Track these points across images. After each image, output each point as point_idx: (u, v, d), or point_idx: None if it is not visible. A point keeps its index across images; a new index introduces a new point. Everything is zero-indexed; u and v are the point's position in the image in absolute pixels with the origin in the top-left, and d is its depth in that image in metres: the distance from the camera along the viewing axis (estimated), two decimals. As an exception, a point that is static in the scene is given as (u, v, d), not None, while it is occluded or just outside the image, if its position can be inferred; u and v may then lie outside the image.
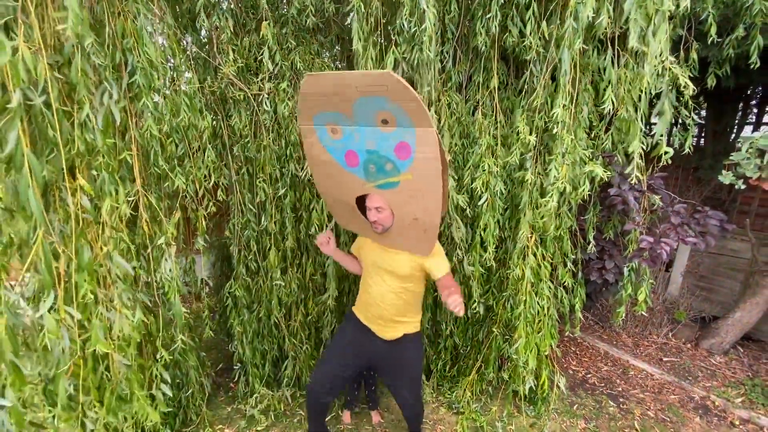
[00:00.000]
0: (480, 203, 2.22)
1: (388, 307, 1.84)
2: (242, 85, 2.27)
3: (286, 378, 2.72)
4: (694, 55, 2.24)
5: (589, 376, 3.20)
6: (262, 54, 2.23)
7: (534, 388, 2.59)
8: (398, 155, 1.47)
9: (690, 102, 1.78)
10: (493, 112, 2.34)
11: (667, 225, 1.98)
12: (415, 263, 1.79)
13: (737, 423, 2.69)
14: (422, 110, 1.30)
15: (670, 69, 1.75)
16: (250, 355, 2.62)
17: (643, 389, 3.05)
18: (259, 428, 2.53)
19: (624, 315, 2.26)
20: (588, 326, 3.93)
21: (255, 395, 2.63)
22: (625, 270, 2.14)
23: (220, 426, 2.57)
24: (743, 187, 2.17)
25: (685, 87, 1.71)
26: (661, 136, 1.82)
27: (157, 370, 1.91)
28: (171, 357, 2.02)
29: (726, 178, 2.22)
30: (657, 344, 3.71)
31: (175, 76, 2.01)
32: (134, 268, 1.70)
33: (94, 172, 1.47)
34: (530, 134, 2.07)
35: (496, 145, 2.29)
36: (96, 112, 1.42)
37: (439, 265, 1.76)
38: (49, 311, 1.17)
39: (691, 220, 1.99)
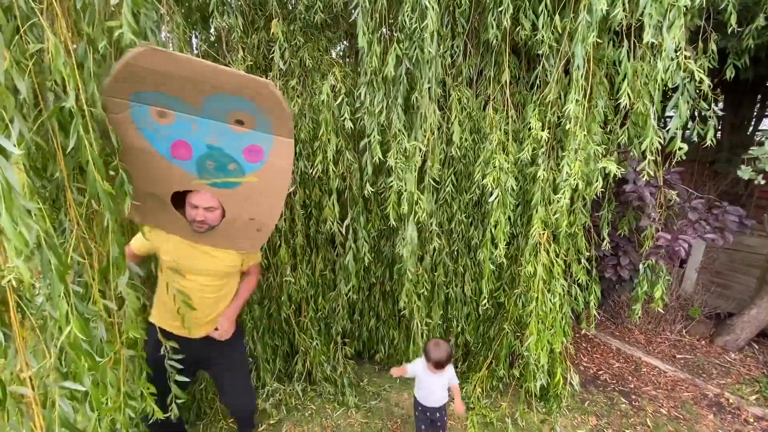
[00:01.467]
0: (491, 200, 2.20)
1: (205, 307, 1.73)
2: (252, 82, 2.26)
3: (297, 373, 2.74)
4: (712, 46, 2.18)
5: (600, 372, 3.17)
6: (272, 52, 2.23)
7: (546, 385, 2.58)
8: (247, 157, 1.46)
9: (710, 95, 1.73)
10: (504, 106, 2.31)
11: (684, 221, 1.94)
12: (238, 260, 1.78)
13: (751, 420, 2.65)
14: (289, 123, 1.38)
15: (685, 64, 1.71)
16: (261, 351, 2.65)
17: (655, 386, 3.02)
18: (271, 422, 2.56)
19: (639, 312, 2.23)
20: (600, 322, 3.89)
21: (266, 389, 2.66)
22: (641, 267, 2.10)
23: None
24: (763, 182, 2.11)
25: (700, 82, 1.67)
26: (676, 131, 1.78)
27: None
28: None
29: (745, 173, 2.16)
30: (670, 341, 3.66)
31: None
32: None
33: (112, 173, 1.47)
34: (542, 130, 2.04)
35: (508, 140, 2.26)
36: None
37: (255, 256, 1.88)
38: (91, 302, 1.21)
39: (709, 215, 1.94)
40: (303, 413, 2.65)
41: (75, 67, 1.13)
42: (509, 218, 2.30)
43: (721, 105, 4.44)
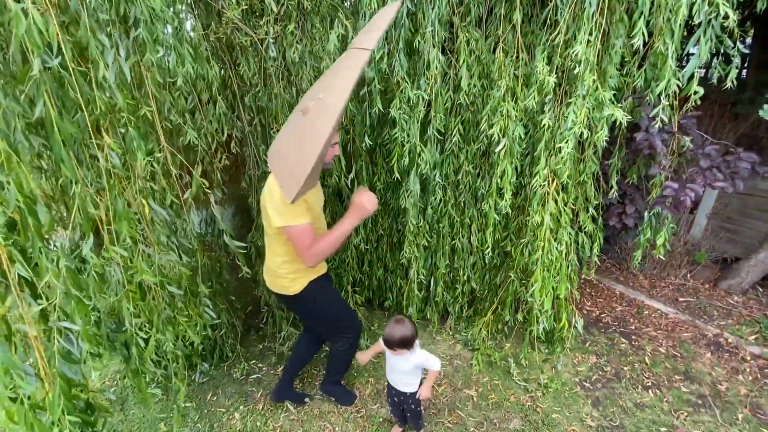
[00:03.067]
0: (497, 149, 2.15)
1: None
2: (248, 29, 2.16)
3: (311, 319, 2.89)
4: (745, -27, 1.99)
5: (603, 315, 3.29)
6: (267, -6, 2.10)
7: (550, 329, 2.69)
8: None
9: (736, 31, 1.60)
10: (515, 49, 2.18)
11: (694, 169, 1.89)
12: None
13: (748, 358, 2.76)
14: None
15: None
16: (275, 299, 2.78)
17: (656, 327, 3.13)
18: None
19: (640, 259, 2.25)
20: (605, 269, 3.96)
21: (282, 333, 2.83)
22: (646, 216, 2.09)
23: (254, 361, 2.81)
24: (784, 124, 2.02)
25: (725, 17, 1.53)
26: (694, 72, 1.67)
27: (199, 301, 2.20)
28: (211, 289, 2.30)
29: (767, 113, 2.06)
30: (674, 285, 3.73)
31: (178, 23, 1.93)
32: (170, 215, 1.87)
33: (121, 130, 1.51)
34: (550, 74, 1.93)
35: (517, 86, 2.16)
36: (107, 70, 1.41)
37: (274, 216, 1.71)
38: (91, 251, 1.39)
39: (721, 162, 1.88)
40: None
41: (57, 25, 1.12)
42: (516, 168, 2.27)
43: (749, 41, 4.13)
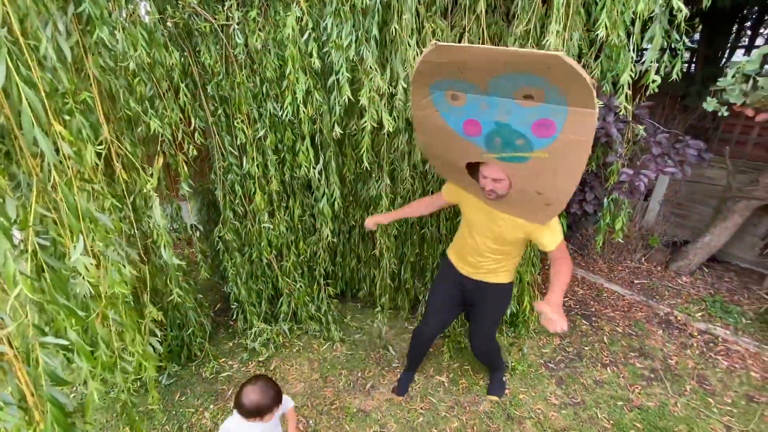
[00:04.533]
0: None
1: (482, 261, 1.94)
2: (207, 15, 2.07)
3: (283, 314, 2.86)
4: (692, -29, 2.10)
5: (565, 299, 3.44)
6: (227, -22, 2.02)
7: (514, 312, 2.79)
8: (536, 132, 1.35)
9: (683, 25, 1.70)
10: (480, 39, 2.21)
11: (647, 156, 2.00)
12: (524, 231, 1.76)
13: (695, 334, 2.99)
14: (589, 93, 1.15)
15: None
16: (246, 295, 2.73)
17: (614, 309, 3.31)
18: (260, 359, 2.71)
19: (602, 243, 2.37)
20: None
21: (254, 330, 2.78)
22: (605, 201, 2.20)
23: (224, 359, 2.75)
24: (726, 114, 2.17)
25: (678, 10, 1.62)
26: (651, 63, 1.76)
27: (149, 323, 1.88)
28: (160, 311, 2.03)
29: (710, 104, 2.20)
30: (630, 268, 3.96)
31: (132, 6, 1.82)
32: (113, 220, 1.62)
33: (66, 117, 1.36)
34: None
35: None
36: (49, 45, 1.27)
37: (551, 237, 1.70)
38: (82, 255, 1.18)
39: (672, 149, 2.01)
40: (290, 350, 2.81)
41: None
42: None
43: (697, 36, 4.39)
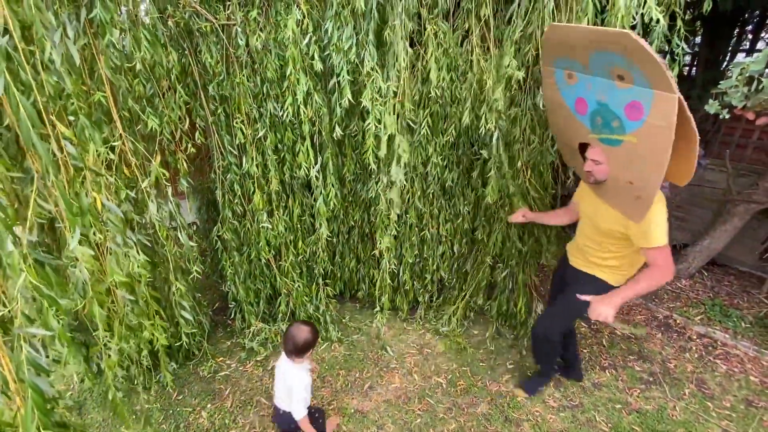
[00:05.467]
0: (491, 141, 2.20)
1: (589, 250, 1.98)
2: (208, 14, 2.07)
3: (281, 314, 2.86)
4: (693, -25, 2.10)
5: (564, 301, 3.44)
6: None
7: (512, 314, 2.79)
8: (628, 114, 1.40)
9: (682, 30, 1.70)
10: (482, 42, 2.21)
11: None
12: (620, 224, 1.74)
13: (694, 337, 2.98)
14: (661, 74, 1.18)
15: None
16: (244, 294, 2.73)
17: (616, 314, 3.30)
18: (258, 358, 2.71)
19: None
20: (567, 257, 4.14)
21: (252, 329, 2.78)
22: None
23: (222, 358, 2.75)
24: (728, 116, 2.16)
25: (657, 22, 1.64)
26: None
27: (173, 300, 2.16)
28: (186, 287, 2.23)
29: (711, 107, 2.19)
30: (630, 271, 3.95)
31: (132, 6, 1.82)
32: (125, 212, 1.73)
33: (71, 117, 1.41)
34: (518, 69, 1.98)
35: (488, 79, 2.19)
36: (54, 51, 1.31)
37: (644, 236, 1.66)
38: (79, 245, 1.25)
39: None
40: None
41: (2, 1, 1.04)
42: (485, 161, 2.32)
43: (698, 40, 4.39)
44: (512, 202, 2.36)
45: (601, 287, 1.94)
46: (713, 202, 3.90)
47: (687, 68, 4.75)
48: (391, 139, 2.13)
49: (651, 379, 2.57)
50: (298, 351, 1.69)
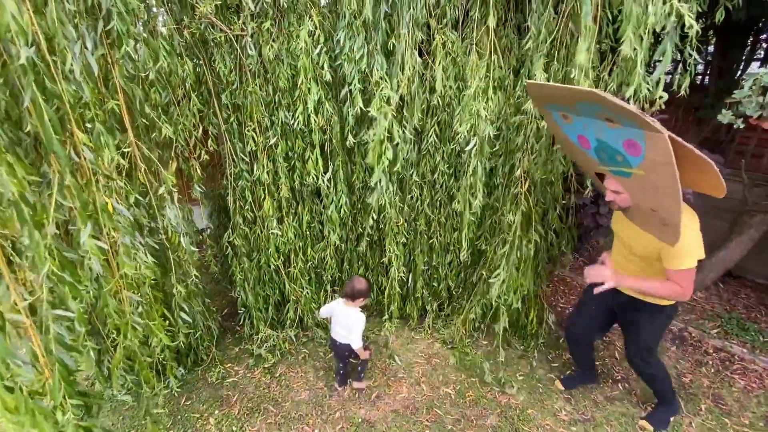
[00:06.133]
0: (467, 149, 2.17)
1: (628, 273, 1.92)
2: (222, 25, 2.13)
3: (289, 320, 2.86)
4: (705, -16, 2.09)
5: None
6: (242, -9, 2.07)
7: (518, 323, 2.75)
8: (627, 150, 1.44)
9: (694, 40, 1.69)
10: (489, 51, 2.22)
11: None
12: (654, 248, 1.74)
13: (711, 351, 2.90)
14: (642, 120, 1.24)
15: (675, 7, 1.65)
16: (253, 300, 2.74)
17: (625, 323, 3.24)
18: (266, 365, 2.71)
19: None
20: (578, 267, 4.07)
21: (260, 335, 2.79)
22: (618, 214, 2.17)
23: (230, 364, 2.75)
24: (742, 126, 2.13)
25: (690, 27, 1.62)
26: (659, 80, 1.75)
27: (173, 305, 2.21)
28: (185, 291, 2.27)
29: (725, 117, 2.16)
30: (642, 282, 3.87)
31: (149, 17, 1.89)
32: (134, 216, 1.79)
33: (88, 125, 1.47)
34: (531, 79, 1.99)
35: (489, 87, 2.19)
36: (74, 61, 1.37)
37: (675, 259, 1.68)
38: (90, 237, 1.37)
39: (686, 162, 1.98)
40: (296, 357, 2.81)
41: (31, 14, 1.09)
42: (491, 169, 2.31)
43: (711, 49, 4.35)
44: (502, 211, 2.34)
45: (662, 313, 1.96)
46: (729, 212, 3.82)
47: (699, 77, 4.70)
48: (397, 146, 2.14)
49: (666, 393, 2.50)
50: (353, 296, 2.21)
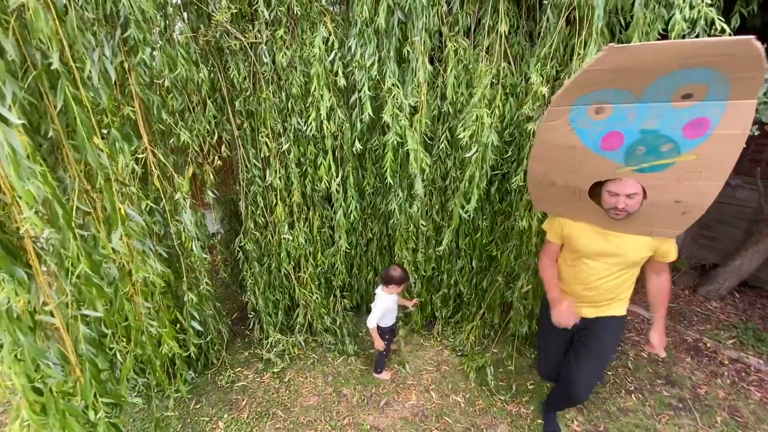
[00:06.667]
0: (468, 155, 2.16)
1: (603, 291, 1.76)
2: (238, 33, 2.16)
3: (299, 325, 2.87)
4: (718, -9, 2.08)
5: (587, 321, 3.33)
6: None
7: (535, 332, 2.72)
8: (686, 133, 1.33)
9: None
10: (499, 58, 2.23)
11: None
12: (651, 246, 1.64)
13: (726, 362, 2.84)
14: (760, 83, 1.16)
15: (703, 9, 1.65)
16: (263, 305, 2.76)
17: (638, 332, 3.19)
18: (275, 370, 2.72)
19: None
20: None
21: (270, 340, 2.80)
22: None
23: (239, 368, 2.76)
24: (757, 133, 2.10)
25: (716, 28, 1.61)
26: None
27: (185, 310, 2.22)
28: (197, 298, 2.26)
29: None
30: (655, 291, 3.81)
31: (166, 26, 1.93)
32: (146, 222, 1.80)
33: (104, 131, 1.49)
34: (543, 84, 1.99)
35: (497, 94, 2.19)
36: (93, 68, 1.40)
37: (673, 247, 1.64)
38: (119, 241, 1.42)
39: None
40: (305, 362, 2.81)
41: (56, 21, 1.11)
42: (503, 174, 2.31)
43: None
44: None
45: (623, 323, 1.88)
46: (743, 220, 3.76)
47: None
48: (416, 153, 2.15)
49: (680, 405, 2.46)
50: (385, 281, 2.36)
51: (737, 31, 2.45)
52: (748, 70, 1.15)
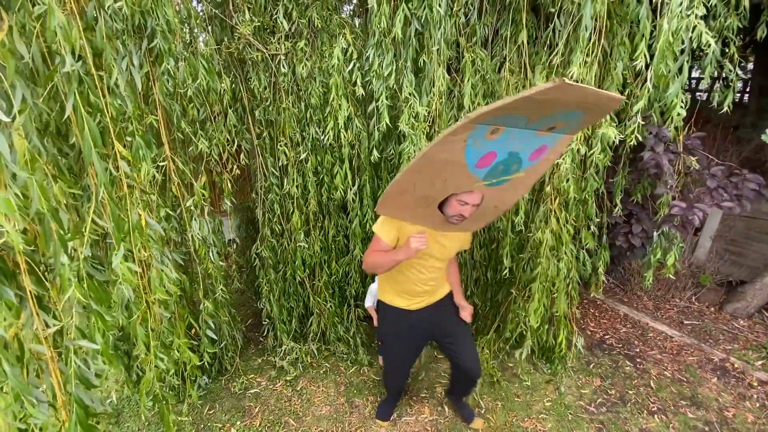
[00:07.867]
0: None
1: (436, 283, 1.97)
2: (260, 45, 2.22)
3: (312, 333, 2.87)
4: (745, 2, 2.03)
5: (607, 337, 3.24)
6: (277, 12, 2.16)
7: (549, 348, 2.66)
8: (531, 157, 1.49)
9: (736, 55, 1.64)
10: (520, 69, 2.23)
11: (702, 189, 1.90)
12: (467, 240, 1.93)
13: (755, 384, 2.71)
14: (583, 126, 1.40)
15: (695, 25, 1.62)
16: (278, 312, 2.77)
17: (661, 350, 3.08)
18: (288, 378, 2.71)
19: (650, 279, 2.23)
20: (609, 288, 3.93)
21: (283, 348, 2.80)
22: (655, 235, 2.09)
23: (252, 375, 2.77)
24: (787, 147, 2.04)
25: (707, 45, 1.58)
26: (676, 97, 1.72)
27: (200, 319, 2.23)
28: (213, 305, 2.27)
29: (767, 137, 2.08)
30: (679, 307, 3.69)
31: (191, 38, 1.99)
32: (164, 229, 1.82)
33: (128, 138, 1.52)
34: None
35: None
36: (120, 77, 1.44)
37: (469, 238, 1.92)
38: (122, 262, 1.29)
39: (728, 183, 1.89)
40: (318, 371, 2.80)
41: (81, 28, 1.14)
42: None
43: (750, 67, 4.20)
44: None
45: (451, 294, 2.11)
46: (773, 236, 3.61)
47: (738, 95, 4.53)
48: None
49: (707, 428, 2.35)
50: None
51: (763, 42, 2.40)
52: (600, 117, 1.36)
